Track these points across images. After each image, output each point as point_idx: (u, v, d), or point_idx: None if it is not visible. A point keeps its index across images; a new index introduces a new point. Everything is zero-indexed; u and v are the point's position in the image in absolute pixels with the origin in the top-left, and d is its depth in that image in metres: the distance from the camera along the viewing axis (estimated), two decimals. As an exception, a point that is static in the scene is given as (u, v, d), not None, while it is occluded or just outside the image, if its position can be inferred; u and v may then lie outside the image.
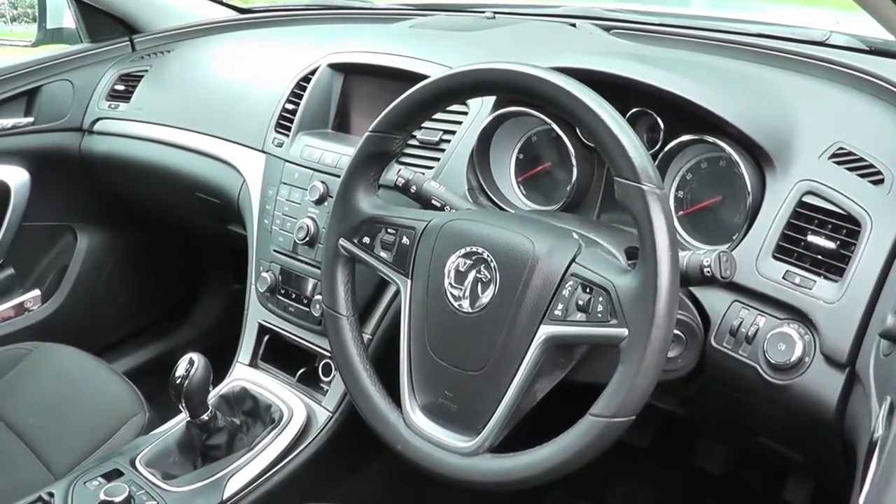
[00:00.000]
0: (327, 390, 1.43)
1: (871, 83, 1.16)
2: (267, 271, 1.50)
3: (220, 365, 1.41)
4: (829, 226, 1.01)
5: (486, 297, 0.99)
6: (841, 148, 1.06)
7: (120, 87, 1.98)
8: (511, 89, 1.01)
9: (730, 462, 1.63)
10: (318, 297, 1.41)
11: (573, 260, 0.96)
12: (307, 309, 1.44)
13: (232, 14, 2.13)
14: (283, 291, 1.48)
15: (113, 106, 1.96)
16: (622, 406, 0.87)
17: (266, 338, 1.53)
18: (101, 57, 2.04)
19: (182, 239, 2.17)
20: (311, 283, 1.44)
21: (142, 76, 1.96)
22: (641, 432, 1.66)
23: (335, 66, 1.57)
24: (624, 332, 0.88)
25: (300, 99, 1.57)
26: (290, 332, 1.49)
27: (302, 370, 1.47)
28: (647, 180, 0.87)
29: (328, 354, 1.42)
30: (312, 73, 1.58)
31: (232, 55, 1.89)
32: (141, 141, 1.86)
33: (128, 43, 2.07)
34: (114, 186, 2.04)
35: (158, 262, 2.24)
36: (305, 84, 1.58)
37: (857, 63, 1.19)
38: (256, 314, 1.54)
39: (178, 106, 1.84)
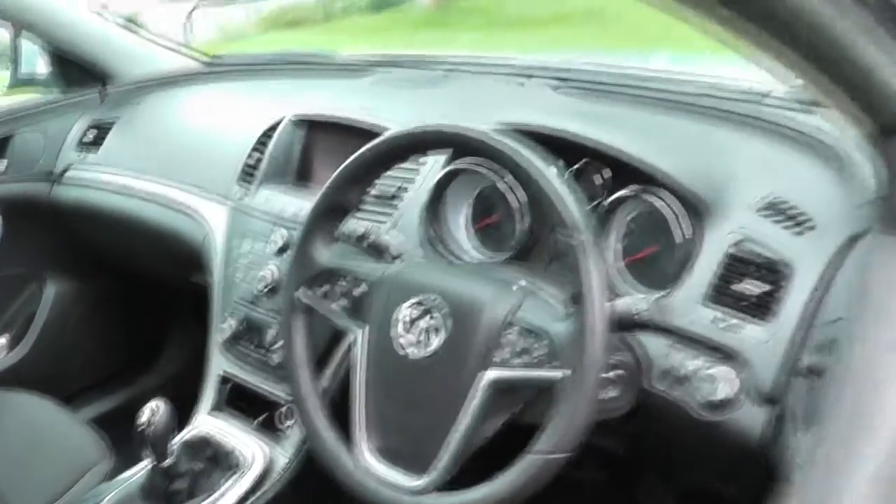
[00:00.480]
0: (287, 436, 1.47)
1: (804, 137, 1.22)
2: (229, 320, 1.54)
3: (184, 412, 1.45)
4: (760, 272, 1.07)
5: (434, 344, 1.04)
6: (774, 199, 1.13)
7: (90, 137, 2.03)
8: (459, 148, 1.07)
9: (675, 500, 1.68)
10: (278, 345, 1.45)
11: (516, 308, 1.01)
12: (267, 357, 1.48)
13: (199, 65, 2.19)
14: (244, 340, 1.52)
15: (82, 156, 2.00)
16: (559, 443, 0.92)
17: (227, 386, 1.57)
18: (72, 106, 2.09)
19: (148, 288, 2.20)
20: (271, 331, 1.48)
21: (111, 126, 2.01)
22: (587, 473, 1.71)
23: (298, 120, 1.63)
24: (559, 374, 0.93)
25: (263, 151, 1.62)
26: (251, 380, 1.52)
27: (262, 417, 1.51)
28: (580, 233, 0.93)
29: (287, 401, 1.46)
30: (276, 126, 1.64)
31: (198, 107, 1.95)
32: (109, 191, 1.90)
33: (98, 93, 2.12)
34: (83, 235, 2.07)
35: (125, 310, 2.27)
36: (268, 137, 1.64)
37: (793, 118, 1.26)
38: (218, 363, 1.57)
39: (146, 156, 1.89)
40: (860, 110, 0.80)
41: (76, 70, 2.10)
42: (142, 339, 2.32)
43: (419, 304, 1.06)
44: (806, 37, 0.65)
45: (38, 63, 2.11)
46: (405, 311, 1.07)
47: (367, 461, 1.07)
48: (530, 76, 1.62)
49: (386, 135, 1.11)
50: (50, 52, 2.07)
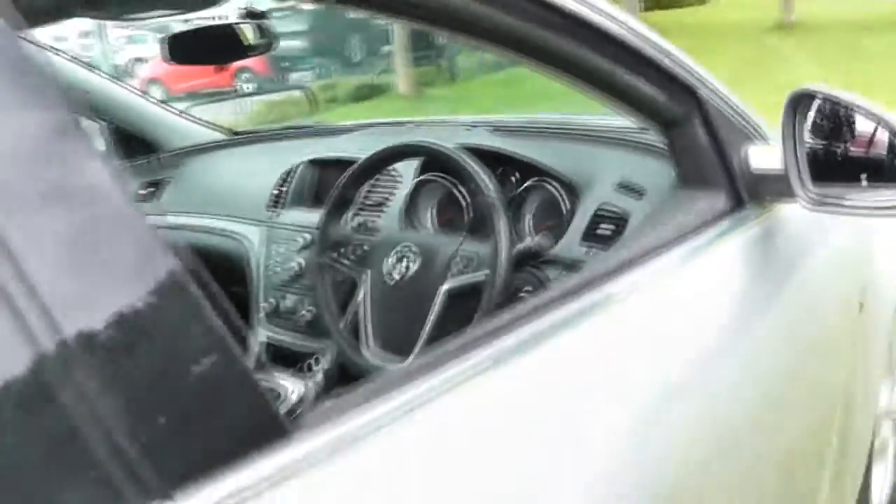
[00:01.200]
0: (315, 375, 2.07)
1: (646, 145, 1.86)
2: (269, 300, 2.16)
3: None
4: (612, 221, 1.71)
5: (411, 274, 1.68)
6: (623, 181, 1.76)
7: (149, 191, 2.65)
8: (421, 154, 1.73)
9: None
10: (304, 312, 2.07)
11: (459, 246, 1.66)
12: (298, 322, 2.10)
13: (224, 136, 2.85)
14: (280, 312, 2.14)
15: (144, 205, 2.63)
16: (486, 311, 1.54)
17: (269, 349, 2.18)
18: (133, 169, 2.74)
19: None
20: (300, 304, 2.10)
21: (166, 182, 2.64)
22: None
23: (311, 162, 2.29)
24: (483, 275, 1.57)
25: (285, 185, 2.27)
26: (287, 340, 2.14)
27: (297, 366, 2.12)
28: (491, 194, 1.58)
29: (315, 350, 2.07)
30: (294, 168, 2.29)
31: (231, 163, 2.60)
32: (167, 228, 2.53)
33: (152, 159, 2.76)
34: None
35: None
36: (288, 175, 2.29)
37: (641, 136, 1.90)
38: (261, 332, 2.19)
39: (197, 201, 2.52)
40: (646, 118, 1.44)
41: (133, 142, 2.75)
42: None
43: (399, 251, 1.70)
44: (589, 80, 1.28)
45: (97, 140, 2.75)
46: (392, 257, 1.71)
47: (371, 353, 1.69)
48: (475, 126, 2.28)
49: (373, 151, 1.77)
50: (112, 131, 2.73)
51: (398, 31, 12.67)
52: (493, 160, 1.88)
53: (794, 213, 1.50)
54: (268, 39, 2.09)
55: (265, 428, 0.62)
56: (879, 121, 1.36)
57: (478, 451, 0.79)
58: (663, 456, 1.01)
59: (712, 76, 1.45)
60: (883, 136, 1.36)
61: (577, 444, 0.89)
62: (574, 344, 0.97)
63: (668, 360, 1.11)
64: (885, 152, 1.37)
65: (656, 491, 0.98)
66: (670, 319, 1.16)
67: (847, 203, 1.38)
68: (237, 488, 0.59)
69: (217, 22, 2.18)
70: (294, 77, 14.78)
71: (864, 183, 1.39)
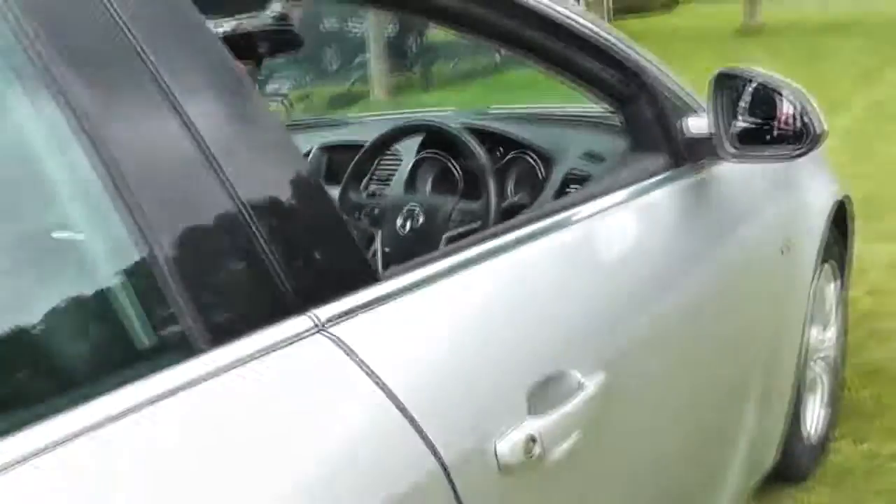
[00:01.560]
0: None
1: (609, 124, 2.25)
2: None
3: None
4: (578, 182, 2.10)
5: (418, 227, 2.06)
6: (588, 151, 2.15)
7: None
8: (424, 130, 2.12)
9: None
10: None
11: (456, 203, 2.05)
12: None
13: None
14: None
15: None
16: None
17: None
18: None
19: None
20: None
21: None
22: None
23: (322, 148, 2.67)
24: (476, 226, 1.96)
25: (302, 168, 2.65)
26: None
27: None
28: (483, 159, 1.97)
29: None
30: (308, 153, 2.67)
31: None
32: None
33: None
34: None
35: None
36: (304, 158, 2.67)
37: (606, 116, 2.28)
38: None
39: None
40: (604, 98, 1.82)
41: None
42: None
43: (407, 209, 2.09)
44: (556, 65, 1.66)
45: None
46: (401, 216, 2.09)
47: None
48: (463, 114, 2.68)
49: (385, 130, 2.17)
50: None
51: (374, 40, 12.99)
52: (481, 136, 2.27)
53: (724, 170, 1.83)
54: (284, 38, 2.44)
55: (363, 273, 1.01)
56: (782, 92, 1.74)
57: (487, 298, 1.20)
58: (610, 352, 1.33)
59: (656, 60, 1.82)
60: (785, 105, 1.74)
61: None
62: (538, 251, 1.32)
63: (612, 274, 1.46)
64: (787, 117, 1.76)
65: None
66: (617, 242, 1.53)
67: (758, 155, 1.74)
68: (347, 308, 0.97)
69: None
70: (270, 87, 15.00)
71: (772, 137, 1.75)
